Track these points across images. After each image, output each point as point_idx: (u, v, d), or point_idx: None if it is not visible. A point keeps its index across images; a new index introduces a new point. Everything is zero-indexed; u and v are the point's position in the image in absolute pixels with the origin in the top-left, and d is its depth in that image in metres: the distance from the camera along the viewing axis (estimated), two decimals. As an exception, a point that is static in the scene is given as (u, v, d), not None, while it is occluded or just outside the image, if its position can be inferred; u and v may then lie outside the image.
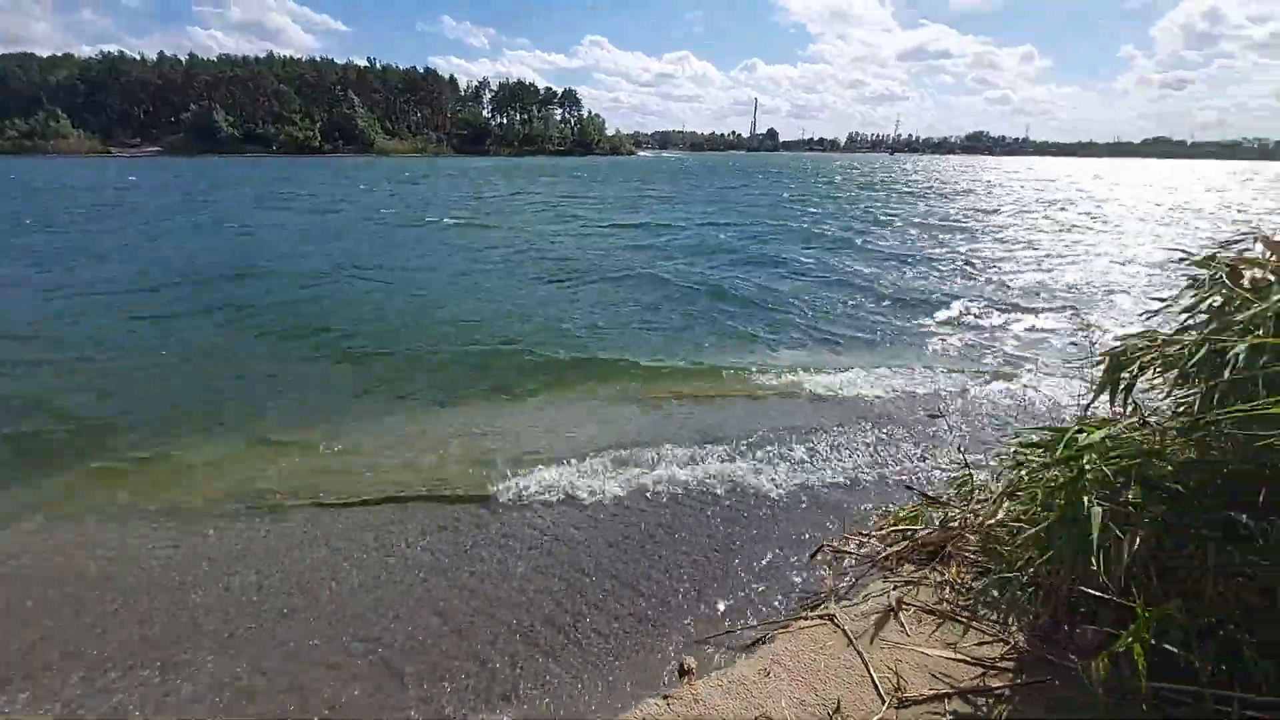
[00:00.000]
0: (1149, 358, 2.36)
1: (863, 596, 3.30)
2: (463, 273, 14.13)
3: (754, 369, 7.62)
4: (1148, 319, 3.10)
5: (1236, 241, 2.76)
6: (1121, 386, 2.54)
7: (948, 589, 3.17)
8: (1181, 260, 2.81)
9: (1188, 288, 2.68)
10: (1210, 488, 2.25)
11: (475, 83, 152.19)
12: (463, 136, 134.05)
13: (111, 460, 5.48)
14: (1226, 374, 2.01)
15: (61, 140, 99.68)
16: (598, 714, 2.97)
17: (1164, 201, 35.92)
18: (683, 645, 3.36)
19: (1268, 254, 2.30)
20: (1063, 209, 30.63)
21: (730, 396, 6.93)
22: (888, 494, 4.83)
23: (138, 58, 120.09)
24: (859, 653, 2.83)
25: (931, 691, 2.54)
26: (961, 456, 4.57)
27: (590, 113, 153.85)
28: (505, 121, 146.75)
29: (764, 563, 4.08)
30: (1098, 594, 2.37)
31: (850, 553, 3.92)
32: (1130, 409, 2.73)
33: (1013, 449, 3.37)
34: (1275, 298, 2.10)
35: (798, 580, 3.86)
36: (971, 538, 3.43)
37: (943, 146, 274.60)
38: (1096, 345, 6.32)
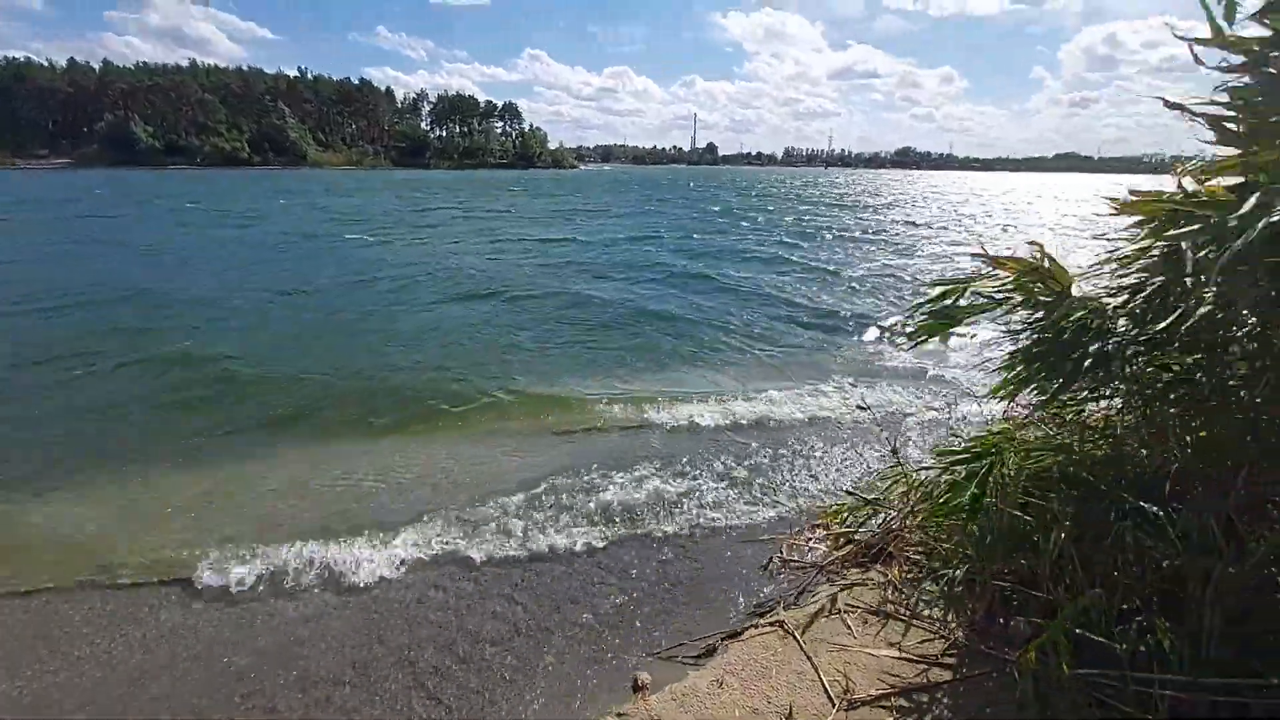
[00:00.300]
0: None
1: (810, 601, 3.36)
2: (362, 294, 13.08)
3: (647, 396, 7.08)
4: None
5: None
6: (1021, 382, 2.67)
7: (890, 589, 3.27)
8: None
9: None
10: (1123, 481, 2.40)
11: (413, 95, 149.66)
12: (401, 149, 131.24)
13: None
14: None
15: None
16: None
17: (1072, 213, 38.48)
18: (635, 662, 3.34)
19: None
20: (979, 222, 32.42)
21: (607, 430, 6.35)
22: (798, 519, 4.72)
23: (45, 64, 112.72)
24: (808, 657, 2.87)
25: (878, 691, 2.60)
26: (897, 459, 4.72)
27: (532, 126, 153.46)
28: (445, 134, 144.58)
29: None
30: (1024, 589, 2.49)
31: (797, 561, 3.99)
32: (1054, 410, 2.89)
33: (941, 451, 3.50)
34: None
35: (750, 589, 3.91)
36: (910, 538, 3.54)
37: (874, 161, 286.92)
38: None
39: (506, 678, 3.31)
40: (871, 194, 59.94)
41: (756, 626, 3.22)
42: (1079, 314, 2.16)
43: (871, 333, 10.32)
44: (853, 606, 3.19)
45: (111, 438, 6.13)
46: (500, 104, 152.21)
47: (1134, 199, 2.14)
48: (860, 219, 32.62)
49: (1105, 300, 2.20)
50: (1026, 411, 3.24)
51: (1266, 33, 1.83)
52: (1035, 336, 2.39)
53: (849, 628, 3.05)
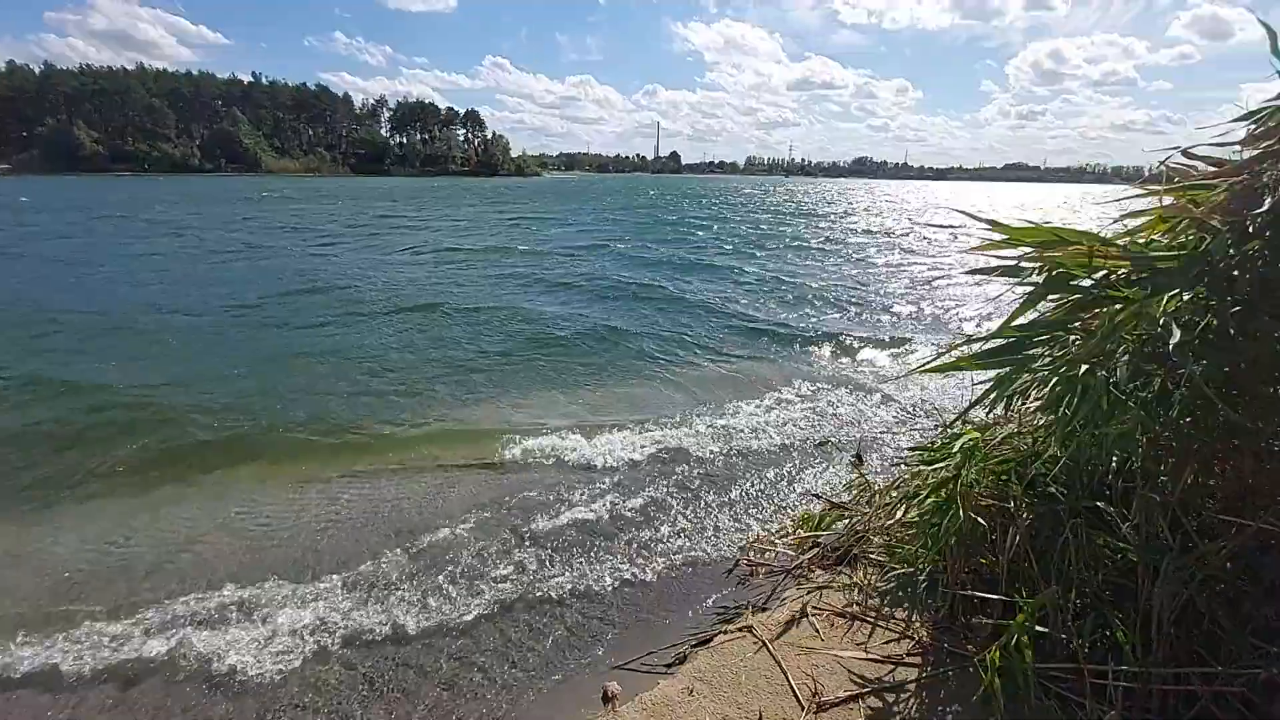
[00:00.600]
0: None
1: (779, 605, 3.38)
2: (283, 310, 11.99)
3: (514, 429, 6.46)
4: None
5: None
6: (1003, 394, 2.75)
7: (856, 591, 3.31)
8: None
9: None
10: (1077, 482, 2.48)
11: (372, 101, 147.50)
12: (360, 156, 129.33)
13: None
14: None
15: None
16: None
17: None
18: (605, 672, 3.31)
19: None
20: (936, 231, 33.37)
21: (473, 468, 5.81)
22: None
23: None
24: (777, 661, 2.88)
25: (846, 693, 2.63)
26: (860, 464, 4.81)
27: (495, 134, 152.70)
28: (406, 141, 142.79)
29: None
30: (986, 587, 2.55)
31: (764, 563, 4.02)
32: (1006, 414, 2.97)
33: (905, 455, 3.57)
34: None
35: (719, 595, 3.92)
36: (875, 540, 3.60)
37: (833, 170, 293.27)
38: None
39: (475, 694, 3.26)
40: (828, 203, 61.15)
41: (726, 632, 3.22)
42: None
43: (832, 345, 10.14)
44: (820, 610, 3.22)
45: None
46: (462, 111, 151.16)
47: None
48: (818, 229, 33.06)
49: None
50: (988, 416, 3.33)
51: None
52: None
53: (817, 631, 3.07)
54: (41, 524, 4.87)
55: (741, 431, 6.47)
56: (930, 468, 3.18)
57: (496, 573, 4.22)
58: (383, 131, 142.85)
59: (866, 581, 3.35)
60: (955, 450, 2.86)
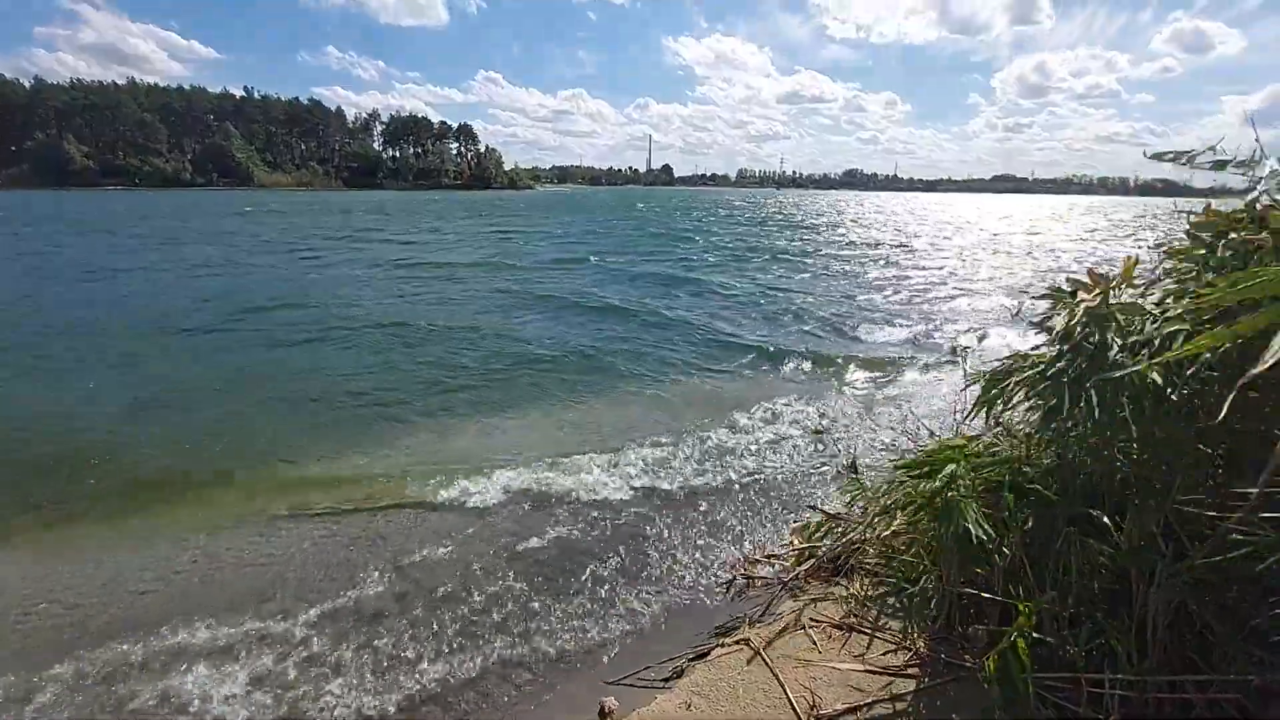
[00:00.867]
0: (1016, 379, 2.61)
1: (775, 617, 3.37)
2: (197, 337, 11.11)
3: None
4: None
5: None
6: (996, 402, 2.77)
7: (853, 602, 3.30)
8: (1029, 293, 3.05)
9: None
10: (1071, 489, 2.50)
11: (365, 115, 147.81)
12: (353, 170, 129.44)
13: None
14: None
15: None
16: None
17: (1022, 239, 39.68)
18: (601, 688, 3.29)
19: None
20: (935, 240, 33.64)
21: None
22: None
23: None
24: (775, 675, 2.87)
25: (844, 706, 2.62)
26: (856, 473, 4.82)
27: (488, 147, 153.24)
28: (398, 155, 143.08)
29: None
30: (983, 594, 2.55)
31: (761, 576, 4.02)
32: (996, 423, 2.99)
33: (899, 465, 3.58)
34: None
35: (716, 608, 3.90)
36: (871, 550, 3.60)
37: (823, 182, 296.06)
38: (969, 365, 6.85)
39: (470, 713, 3.23)
40: (817, 215, 61.52)
41: (723, 645, 3.21)
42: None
43: (816, 359, 9.99)
44: (817, 621, 3.21)
45: None
46: (455, 125, 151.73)
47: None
48: (806, 240, 33.23)
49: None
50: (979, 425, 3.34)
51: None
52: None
53: (814, 643, 3.06)
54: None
55: (729, 447, 6.43)
56: (921, 477, 3.19)
57: (486, 592, 4.19)
58: (376, 145, 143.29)
59: (863, 592, 3.35)
60: (946, 457, 2.87)
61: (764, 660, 2.99)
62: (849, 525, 4.01)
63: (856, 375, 9.10)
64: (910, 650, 2.88)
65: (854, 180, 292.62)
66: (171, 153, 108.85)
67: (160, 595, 4.16)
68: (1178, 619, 2.17)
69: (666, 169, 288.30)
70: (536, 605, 4.02)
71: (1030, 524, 2.53)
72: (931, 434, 4.59)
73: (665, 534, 4.83)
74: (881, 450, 6.27)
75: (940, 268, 21.94)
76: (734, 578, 4.14)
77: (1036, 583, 2.47)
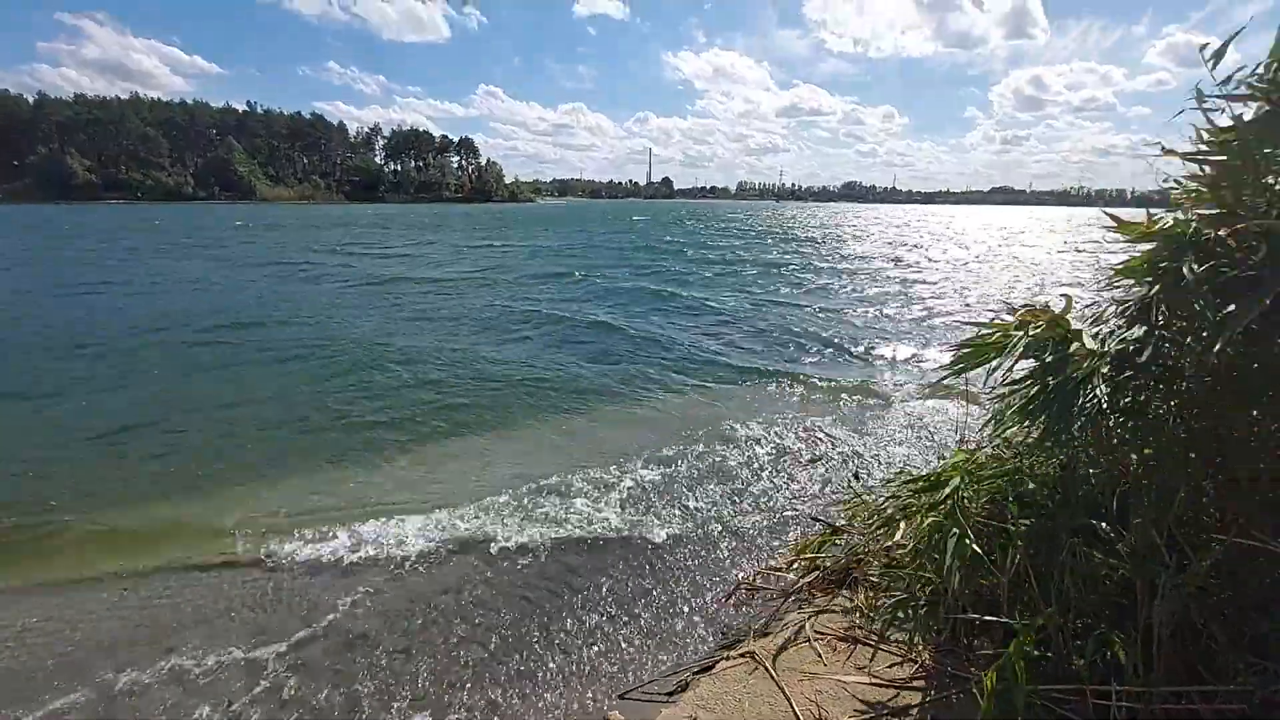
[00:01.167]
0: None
1: (780, 629, 3.37)
2: (172, 355, 10.58)
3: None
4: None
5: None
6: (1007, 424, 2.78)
7: (857, 614, 3.30)
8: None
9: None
10: (1073, 499, 2.51)
11: (366, 129, 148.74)
12: (355, 183, 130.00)
13: None
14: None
15: None
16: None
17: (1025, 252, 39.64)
18: (607, 701, 3.29)
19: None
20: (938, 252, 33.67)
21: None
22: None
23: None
24: (780, 687, 2.87)
25: (850, 718, 2.62)
26: (858, 485, 4.83)
27: (489, 160, 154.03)
28: (400, 169, 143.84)
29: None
30: (987, 608, 2.56)
31: (765, 588, 4.02)
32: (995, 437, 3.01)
33: (903, 481, 3.59)
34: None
35: (720, 620, 3.90)
36: (874, 562, 3.60)
37: (823, 195, 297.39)
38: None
39: (474, 725, 3.22)
40: (818, 226, 61.57)
41: (728, 658, 3.21)
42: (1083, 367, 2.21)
43: (810, 373, 10.10)
44: (821, 633, 3.21)
45: None
46: (456, 139, 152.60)
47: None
48: (819, 259, 33.17)
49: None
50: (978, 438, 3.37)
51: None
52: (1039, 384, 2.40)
53: (819, 655, 3.06)
54: None
55: (727, 458, 6.47)
56: (924, 490, 3.21)
57: (489, 608, 4.20)
58: (377, 159, 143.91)
59: (867, 604, 3.35)
60: (948, 470, 2.89)
61: (769, 673, 2.98)
62: (851, 536, 4.02)
63: (850, 395, 8.89)
64: (916, 662, 2.88)
65: (853, 192, 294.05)
66: (174, 167, 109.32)
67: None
68: (1180, 628, 2.18)
69: (667, 182, 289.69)
70: (536, 623, 4.02)
71: (1034, 535, 2.54)
72: (932, 447, 4.61)
73: (665, 552, 4.83)
74: (883, 460, 6.28)
75: (937, 281, 21.95)
76: (737, 589, 4.13)
77: (1041, 595, 2.48)
